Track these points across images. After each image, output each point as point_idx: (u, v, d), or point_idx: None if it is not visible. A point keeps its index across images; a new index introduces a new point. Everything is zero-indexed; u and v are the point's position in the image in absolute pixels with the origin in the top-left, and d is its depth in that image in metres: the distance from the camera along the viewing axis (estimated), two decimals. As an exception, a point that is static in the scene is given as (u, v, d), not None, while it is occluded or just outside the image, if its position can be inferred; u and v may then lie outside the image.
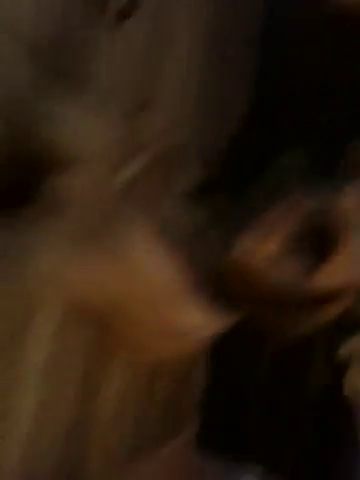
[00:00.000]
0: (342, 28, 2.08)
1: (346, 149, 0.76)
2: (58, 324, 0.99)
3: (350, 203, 0.68)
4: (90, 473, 1.26)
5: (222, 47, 1.84)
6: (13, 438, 1.01)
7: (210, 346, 1.79)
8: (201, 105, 1.55)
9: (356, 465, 1.70)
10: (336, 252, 0.68)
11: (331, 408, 1.88)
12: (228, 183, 0.73)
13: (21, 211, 0.79)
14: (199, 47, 1.69)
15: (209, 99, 1.74)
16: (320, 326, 0.77)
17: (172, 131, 0.80)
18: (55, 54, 0.98)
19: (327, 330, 1.97)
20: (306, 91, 2.15)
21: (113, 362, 1.33)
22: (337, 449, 1.75)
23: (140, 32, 1.22)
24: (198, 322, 0.81)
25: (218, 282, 0.76)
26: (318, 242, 0.69)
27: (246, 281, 0.77)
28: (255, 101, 2.21)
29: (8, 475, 0.97)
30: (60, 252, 0.77)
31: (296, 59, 2.33)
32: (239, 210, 0.73)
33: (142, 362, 1.43)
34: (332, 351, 2.02)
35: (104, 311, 0.81)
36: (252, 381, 2.07)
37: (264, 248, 0.71)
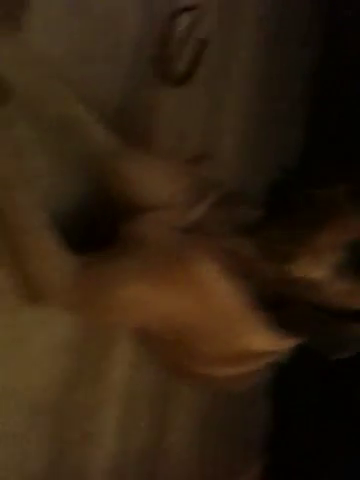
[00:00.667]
0: None
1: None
2: (133, 356, 1.17)
3: None
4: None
5: (272, 101, 1.89)
6: (91, 462, 1.12)
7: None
8: (256, 155, 1.66)
9: None
10: None
11: None
12: (281, 215, 0.77)
13: (107, 250, 0.90)
14: (254, 98, 1.75)
15: (264, 148, 1.81)
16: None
17: (230, 179, 0.81)
18: (123, 118, 1.14)
19: None
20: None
21: (179, 393, 1.42)
22: None
23: (198, 94, 1.32)
24: (266, 341, 0.87)
25: (279, 304, 0.80)
26: None
27: (306, 300, 0.78)
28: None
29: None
30: (142, 284, 0.86)
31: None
32: (291, 238, 0.76)
33: (208, 393, 1.50)
34: None
35: (182, 331, 0.88)
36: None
37: (316, 274, 0.74)
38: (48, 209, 0.87)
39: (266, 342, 0.88)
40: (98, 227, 0.97)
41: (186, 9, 1.29)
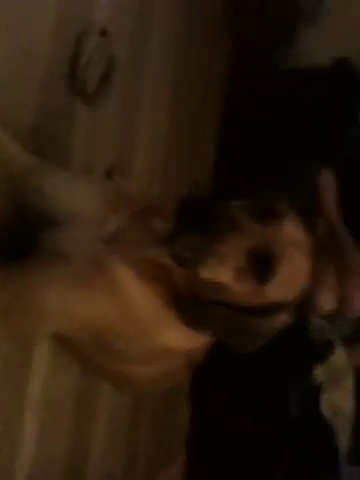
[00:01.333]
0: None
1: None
2: (51, 362, 1.22)
3: (285, 237, 0.85)
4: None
5: (184, 111, 1.93)
6: (15, 471, 1.15)
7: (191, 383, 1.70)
8: (170, 166, 1.62)
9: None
10: (275, 274, 0.84)
11: (311, 429, 1.87)
12: (190, 227, 0.85)
13: (27, 259, 0.97)
14: (165, 115, 1.80)
15: (177, 160, 1.86)
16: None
17: (143, 194, 1.04)
18: (38, 136, 1.18)
19: (299, 358, 1.89)
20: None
21: (101, 396, 1.43)
22: (319, 466, 1.84)
23: (113, 109, 1.43)
24: (179, 338, 0.99)
25: (193, 304, 0.92)
26: (262, 267, 0.85)
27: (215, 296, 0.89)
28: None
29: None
30: (62, 290, 0.93)
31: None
32: (198, 247, 0.84)
33: (129, 393, 1.53)
34: (306, 377, 1.91)
35: (100, 332, 0.97)
36: (235, 418, 1.77)
37: (221, 275, 0.85)
38: None
39: (178, 340, 0.99)
40: (17, 241, 1.03)
41: (99, 31, 1.34)
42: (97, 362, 1.11)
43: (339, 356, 1.93)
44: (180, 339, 1.00)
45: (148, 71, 1.66)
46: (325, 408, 1.89)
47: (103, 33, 1.36)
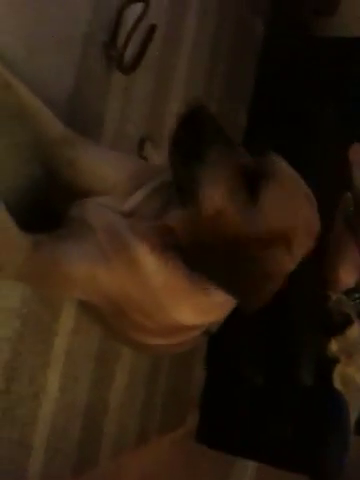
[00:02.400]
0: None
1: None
2: (77, 319, 1.29)
3: (275, 164, 0.92)
4: (101, 455, 1.49)
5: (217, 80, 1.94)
6: (38, 418, 1.23)
7: (208, 344, 1.78)
8: None
9: (344, 450, 1.85)
10: (266, 190, 0.89)
11: (322, 397, 1.91)
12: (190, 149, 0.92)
13: (56, 231, 1.01)
14: (198, 86, 1.82)
15: None
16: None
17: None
18: (75, 103, 1.22)
19: (315, 330, 1.95)
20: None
21: (121, 357, 1.52)
22: (327, 436, 1.86)
23: (148, 78, 1.45)
24: (193, 315, 1.05)
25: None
26: (252, 183, 0.90)
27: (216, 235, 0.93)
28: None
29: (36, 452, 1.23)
30: (86, 263, 0.99)
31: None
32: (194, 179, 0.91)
33: (146, 355, 1.60)
34: (321, 349, 1.97)
35: (122, 303, 1.03)
36: (249, 379, 1.85)
37: (216, 198, 0.90)
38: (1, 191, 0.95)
39: (192, 317, 1.05)
40: (49, 208, 1.07)
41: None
42: (116, 329, 1.17)
43: (354, 331, 1.96)
44: (194, 316, 1.05)
45: (184, 40, 1.66)
46: (337, 380, 1.91)
47: (144, 2, 1.37)
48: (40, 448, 1.26)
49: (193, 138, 0.92)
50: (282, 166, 0.95)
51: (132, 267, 0.98)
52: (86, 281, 0.99)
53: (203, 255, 0.94)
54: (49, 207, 1.09)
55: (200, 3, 1.73)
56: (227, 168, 0.92)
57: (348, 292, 2.02)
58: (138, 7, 1.36)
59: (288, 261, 0.94)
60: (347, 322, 1.99)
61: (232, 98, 2.08)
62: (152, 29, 1.42)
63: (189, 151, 0.92)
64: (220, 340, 1.86)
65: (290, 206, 0.94)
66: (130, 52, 1.37)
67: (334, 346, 1.93)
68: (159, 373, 1.75)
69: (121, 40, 1.33)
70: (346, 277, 2.04)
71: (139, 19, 1.36)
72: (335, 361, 1.92)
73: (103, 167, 1.07)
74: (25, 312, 1.14)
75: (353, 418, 1.96)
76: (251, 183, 0.92)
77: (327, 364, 1.92)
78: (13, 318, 1.12)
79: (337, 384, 1.91)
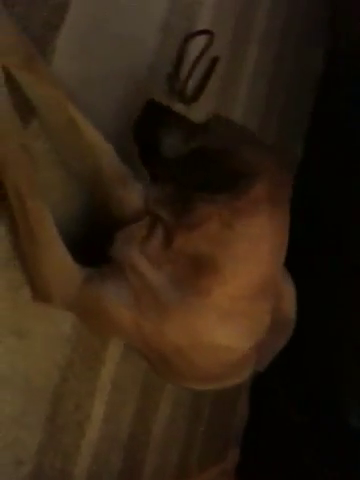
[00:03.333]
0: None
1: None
2: (124, 350, 1.27)
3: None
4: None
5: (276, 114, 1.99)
6: (81, 446, 1.21)
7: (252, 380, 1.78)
8: None
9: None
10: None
11: None
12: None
13: (104, 266, 0.99)
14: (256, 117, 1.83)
15: None
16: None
17: None
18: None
19: None
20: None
21: (165, 388, 1.50)
22: None
23: (207, 109, 1.45)
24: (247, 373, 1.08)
25: None
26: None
27: None
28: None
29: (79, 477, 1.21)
30: (127, 305, 0.96)
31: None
32: None
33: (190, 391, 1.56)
34: None
35: (168, 354, 1.00)
36: (294, 418, 1.87)
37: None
38: (56, 219, 0.94)
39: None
40: (96, 242, 1.05)
41: (200, 32, 1.36)
42: (162, 373, 1.15)
43: None
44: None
45: (244, 72, 1.67)
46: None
47: (205, 32, 1.37)
48: (81, 477, 1.24)
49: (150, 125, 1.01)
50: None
51: (186, 319, 0.95)
52: (128, 326, 0.97)
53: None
54: (97, 240, 1.07)
55: (263, 34, 1.73)
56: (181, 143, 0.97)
57: None
58: (202, 39, 1.37)
59: (254, 166, 0.93)
60: None
61: (289, 129, 2.07)
62: (215, 61, 1.42)
63: (148, 135, 1.00)
64: (265, 377, 1.78)
65: (236, 129, 1.02)
66: (192, 83, 1.37)
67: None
68: (202, 406, 1.72)
69: (184, 71, 1.33)
70: None
71: (203, 51, 1.37)
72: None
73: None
74: (75, 338, 1.14)
75: None
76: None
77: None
78: (64, 344, 1.11)
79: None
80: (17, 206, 0.88)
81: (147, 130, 1.01)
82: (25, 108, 0.92)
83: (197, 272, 0.93)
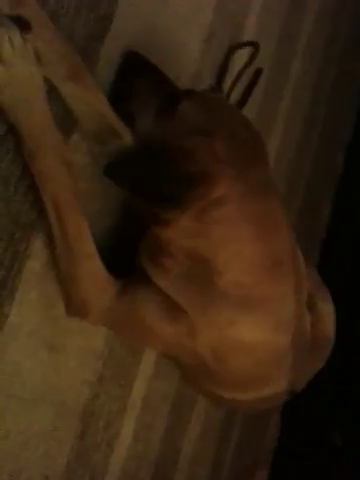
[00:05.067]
0: None
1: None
2: (157, 364, 1.25)
3: None
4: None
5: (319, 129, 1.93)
6: (109, 464, 1.19)
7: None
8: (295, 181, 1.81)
9: None
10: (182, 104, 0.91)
11: None
12: None
13: (135, 276, 0.99)
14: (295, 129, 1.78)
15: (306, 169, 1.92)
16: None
17: None
18: None
19: None
20: None
21: (196, 407, 1.47)
22: None
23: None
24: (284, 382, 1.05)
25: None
26: None
27: None
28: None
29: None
30: (155, 318, 0.95)
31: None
32: None
33: (222, 409, 1.55)
34: None
35: (205, 358, 0.98)
36: (327, 439, 1.91)
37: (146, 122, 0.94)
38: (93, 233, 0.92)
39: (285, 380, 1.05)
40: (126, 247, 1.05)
41: (245, 44, 1.33)
42: (195, 381, 1.15)
43: None
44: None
45: (287, 85, 1.64)
46: None
47: (250, 44, 1.34)
48: (109, 495, 1.22)
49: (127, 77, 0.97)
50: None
51: (235, 326, 0.95)
52: (164, 334, 0.96)
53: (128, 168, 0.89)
54: (125, 251, 1.05)
55: (306, 46, 1.70)
56: (154, 96, 0.94)
57: None
58: (246, 50, 1.34)
59: (212, 162, 0.87)
60: None
61: (330, 143, 2.03)
62: (258, 73, 1.39)
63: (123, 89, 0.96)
64: (297, 397, 1.79)
65: (210, 110, 0.93)
66: (235, 95, 1.35)
67: None
68: (232, 425, 1.68)
69: (227, 83, 1.30)
70: None
71: (248, 64, 1.34)
72: None
73: None
74: (107, 353, 1.12)
75: None
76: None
77: None
78: (95, 360, 1.09)
79: None
80: (55, 220, 0.86)
81: (123, 81, 0.98)
82: (66, 121, 0.90)
83: (196, 268, 0.92)
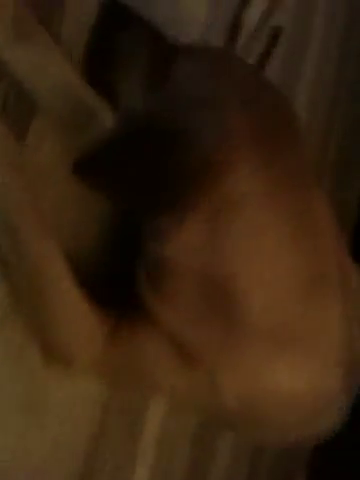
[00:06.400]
0: None
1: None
2: (167, 409, 1.05)
3: None
4: None
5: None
6: None
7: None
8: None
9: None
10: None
11: None
12: None
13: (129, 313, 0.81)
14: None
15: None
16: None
17: None
18: None
19: None
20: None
21: (217, 444, 1.27)
22: None
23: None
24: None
25: None
26: None
27: None
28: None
29: None
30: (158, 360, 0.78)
31: None
32: None
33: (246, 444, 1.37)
34: None
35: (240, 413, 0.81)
36: None
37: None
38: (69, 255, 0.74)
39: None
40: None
41: None
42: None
43: None
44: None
45: (309, 46, 1.48)
46: None
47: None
48: None
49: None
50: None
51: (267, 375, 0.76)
52: (173, 383, 0.78)
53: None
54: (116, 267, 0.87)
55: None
56: (142, 57, 0.76)
57: None
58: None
59: (224, 147, 0.67)
60: None
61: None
62: (277, 32, 1.20)
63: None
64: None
65: (217, 72, 0.73)
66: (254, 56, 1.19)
67: None
68: (261, 457, 1.52)
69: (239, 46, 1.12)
70: None
71: (262, 21, 1.16)
72: None
73: None
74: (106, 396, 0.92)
75: None
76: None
77: None
78: (91, 406, 0.90)
79: None
80: (9, 247, 0.66)
81: (100, 40, 0.78)
82: (20, 106, 0.69)
83: (211, 294, 0.72)
